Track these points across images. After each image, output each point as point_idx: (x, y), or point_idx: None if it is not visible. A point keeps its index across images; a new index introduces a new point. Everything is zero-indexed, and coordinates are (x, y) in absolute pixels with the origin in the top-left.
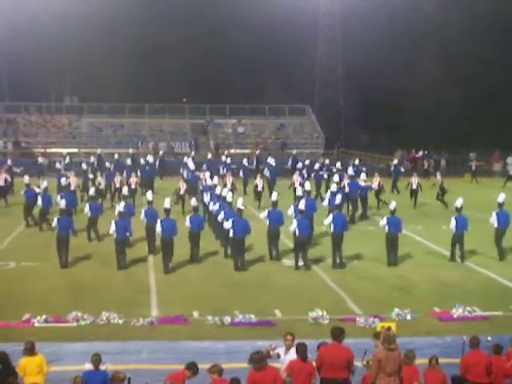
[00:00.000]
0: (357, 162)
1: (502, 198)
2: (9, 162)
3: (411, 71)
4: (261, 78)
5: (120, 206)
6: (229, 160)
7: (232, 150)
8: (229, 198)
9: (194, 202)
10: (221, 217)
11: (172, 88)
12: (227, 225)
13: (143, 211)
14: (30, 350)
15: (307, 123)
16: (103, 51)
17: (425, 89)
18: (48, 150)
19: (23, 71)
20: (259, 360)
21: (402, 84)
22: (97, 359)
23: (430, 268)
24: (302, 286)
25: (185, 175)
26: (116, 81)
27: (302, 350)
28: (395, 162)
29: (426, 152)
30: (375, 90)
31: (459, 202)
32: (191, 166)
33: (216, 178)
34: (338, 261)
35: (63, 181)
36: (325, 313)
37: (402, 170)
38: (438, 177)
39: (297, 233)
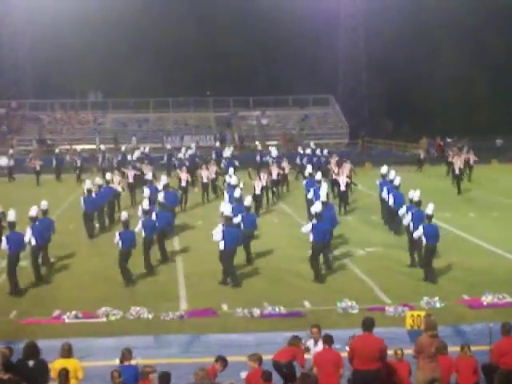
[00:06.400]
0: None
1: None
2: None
3: (435, 58)
4: (284, 68)
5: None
6: (274, 151)
7: (256, 142)
8: (247, 202)
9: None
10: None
11: (195, 81)
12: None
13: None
14: (66, 352)
15: (331, 113)
16: (126, 47)
17: (449, 75)
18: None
19: (47, 68)
20: None
21: (427, 71)
22: (127, 354)
23: (459, 255)
24: (330, 276)
25: (225, 162)
26: (140, 76)
27: (329, 341)
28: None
29: (451, 140)
30: (399, 77)
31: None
32: (227, 154)
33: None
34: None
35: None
36: (354, 303)
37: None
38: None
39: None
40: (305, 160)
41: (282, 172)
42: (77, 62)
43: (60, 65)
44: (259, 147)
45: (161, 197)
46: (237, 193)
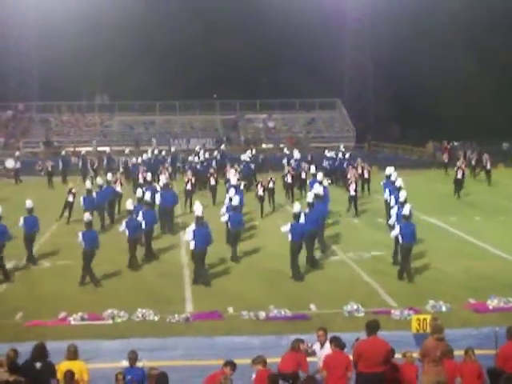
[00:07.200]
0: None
1: None
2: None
3: (442, 62)
4: (290, 72)
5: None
6: (297, 154)
7: (263, 145)
8: (235, 201)
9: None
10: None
11: (202, 84)
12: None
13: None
14: (72, 354)
15: (338, 117)
16: (133, 50)
17: (456, 79)
18: (78, 149)
19: (54, 71)
20: None
21: (433, 75)
22: (133, 356)
23: (465, 259)
24: (335, 279)
25: (241, 166)
26: (146, 79)
27: (340, 343)
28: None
29: (457, 143)
30: (405, 82)
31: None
32: (245, 158)
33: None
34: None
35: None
36: (360, 306)
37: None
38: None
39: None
40: (326, 163)
41: (295, 174)
42: (83, 65)
43: (67, 67)
44: (286, 150)
45: (147, 196)
46: (231, 192)
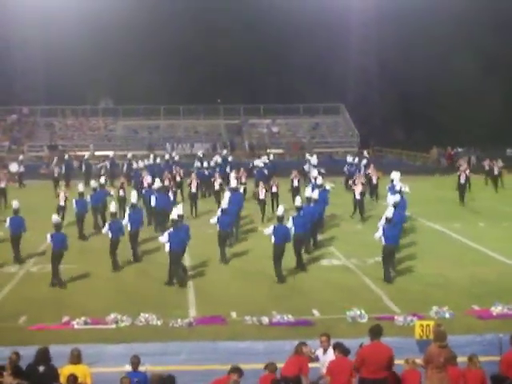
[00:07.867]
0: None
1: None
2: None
3: (447, 67)
4: (294, 77)
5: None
6: (314, 160)
7: (267, 150)
8: (224, 204)
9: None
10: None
11: (206, 89)
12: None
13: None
14: (75, 358)
15: (341, 122)
16: (137, 54)
17: (460, 85)
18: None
19: (59, 75)
20: None
21: (438, 80)
22: (136, 361)
23: (468, 265)
24: (338, 285)
25: (254, 171)
26: (150, 83)
27: (343, 349)
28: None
29: (461, 149)
30: (410, 86)
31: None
32: (259, 163)
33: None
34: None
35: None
36: (363, 312)
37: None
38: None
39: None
40: (346, 169)
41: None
42: (88, 69)
43: (71, 71)
44: (307, 156)
45: (134, 198)
46: (226, 195)
